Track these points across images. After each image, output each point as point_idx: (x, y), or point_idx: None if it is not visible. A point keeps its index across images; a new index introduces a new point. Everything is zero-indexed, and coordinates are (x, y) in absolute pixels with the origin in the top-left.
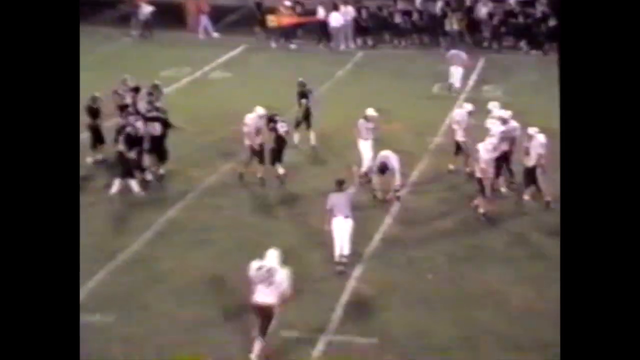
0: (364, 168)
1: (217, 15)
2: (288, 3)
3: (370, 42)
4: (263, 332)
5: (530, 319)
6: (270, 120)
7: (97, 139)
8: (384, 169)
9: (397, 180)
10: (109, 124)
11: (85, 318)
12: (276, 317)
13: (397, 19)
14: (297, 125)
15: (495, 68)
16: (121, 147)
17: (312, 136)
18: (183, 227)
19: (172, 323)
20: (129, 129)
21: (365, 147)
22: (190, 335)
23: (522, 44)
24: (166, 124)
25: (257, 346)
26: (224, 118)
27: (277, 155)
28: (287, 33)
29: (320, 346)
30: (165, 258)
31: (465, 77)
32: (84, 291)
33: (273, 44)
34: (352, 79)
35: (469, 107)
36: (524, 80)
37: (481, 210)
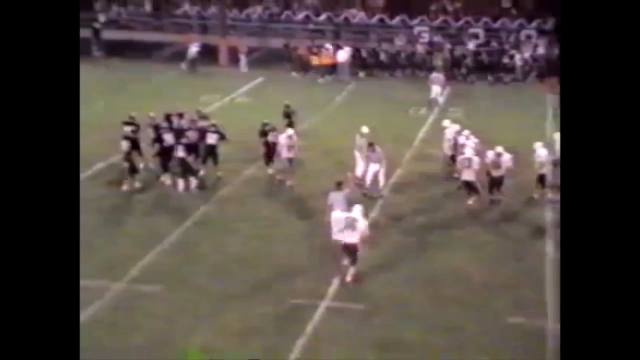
0: (359, 173)
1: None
2: (329, 46)
3: (362, 74)
4: (353, 262)
5: (487, 290)
6: (265, 132)
7: (135, 147)
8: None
9: (381, 181)
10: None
11: (138, 288)
12: (360, 252)
13: (382, 56)
14: None
15: (458, 95)
16: (181, 154)
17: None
18: (215, 218)
19: (205, 294)
20: (184, 140)
21: (359, 157)
22: (219, 304)
23: (488, 76)
24: (222, 136)
25: (351, 271)
26: (247, 133)
27: (269, 159)
28: (327, 70)
29: (320, 310)
30: (200, 243)
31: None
32: (138, 267)
33: (293, 73)
34: (348, 104)
35: (456, 127)
36: (480, 105)
37: (470, 202)
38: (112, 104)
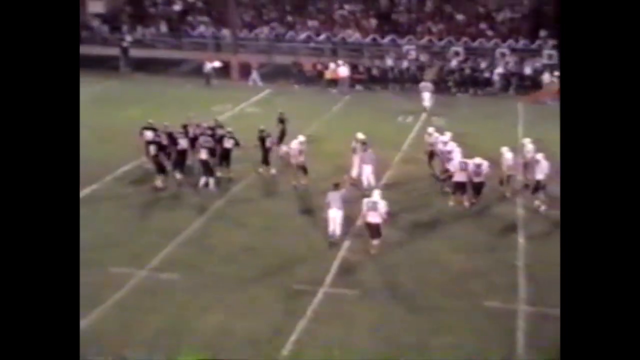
0: (354, 174)
1: (250, 69)
2: (341, 62)
3: (359, 87)
4: (376, 237)
5: (465, 277)
6: (262, 138)
7: (161, 149)
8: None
9: (372, 181)
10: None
11: (158, 275)
12: (381, 228)
13: (374, 72)
14: (280, 139)
15: (441, 105)
16: (204, 156)
17: (285, 148)
18: (227, 213)
19: (218, 280)
20: (207, 144)
21: (355, 160)
22: (230, 289)
23: (471, 89)
24: (236, 142)
25: (375, 243)
26: (255, 139)
27: (265, 159)
28: (333, 83)
29: (319, 295)
30: (214, 235)
31: (421, 112)
32: (160, 257)
33: (295, 86)
34: (343, 113)
35: (446, 136)
36: (460, 113)
37: (466, 204)
38: (136, 113)
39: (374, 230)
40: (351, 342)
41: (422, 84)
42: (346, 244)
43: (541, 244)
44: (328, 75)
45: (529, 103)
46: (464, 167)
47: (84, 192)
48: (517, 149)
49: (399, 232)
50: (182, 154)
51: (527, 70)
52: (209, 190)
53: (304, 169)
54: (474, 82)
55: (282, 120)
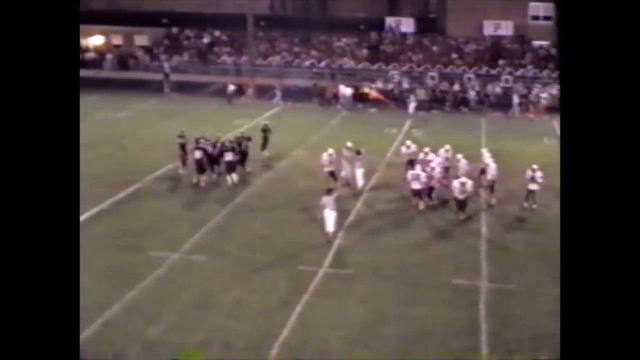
0: (343, 175)
1: (264, 90)
2: (374, 86)
3: (360, 105)
4: (420, 198)
5: (437, 259)
6: (240, 141)
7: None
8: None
9: (361, 181)
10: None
11: (189, 258)
12: (422, 195)
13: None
14: (263, 146)
15: (419, 119)
16: (230, 157)
17: (266, 152)
18: (245, 207)
19: (238, 262)
20: (234, 146)
21: (345, 164)
22: (247, 270)
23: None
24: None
25: (421, 205)
26: (268, 146)
27: (243, 161)
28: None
29: (319, 274)
30: (234, 224)
31: (402, 125)
32: (190, 242)
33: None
34: (340, 125)
35: (428, 149)
36: (435, 128)
37: (421, 207)
38: (171, 126)
39: (416, 194)
40: (345, 312)
41: (411, 99)
42: (341, 233)
43: (499, 233)
44: (365, 95)
45: (534, 119)
46: (415, 177)
47: (129, 190)
48: (470, 157)
49: (384, 222)
50: (216, 158)
51: (498, 90)
52: (235, 183)
53: (333, 176)
54: (454, 101)
55: (265, 130)
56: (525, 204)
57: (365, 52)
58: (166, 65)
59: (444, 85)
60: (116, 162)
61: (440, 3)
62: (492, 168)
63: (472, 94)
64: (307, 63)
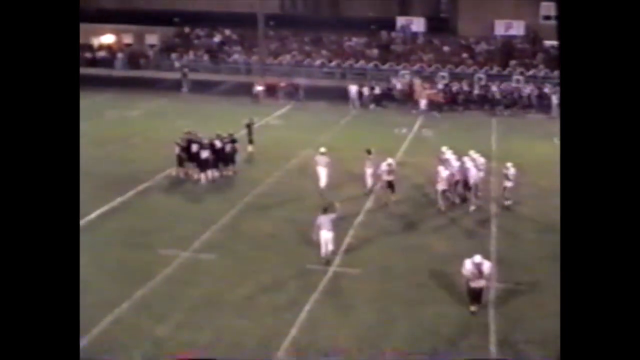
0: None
1: (275, 89)
2: (434, 89)
3: (372, 106)
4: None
5: (445, 259)
6: (231, 140)
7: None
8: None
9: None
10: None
11: (198, 256)
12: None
13: (377, 91)
14: (250, 141)
15: (428, 119)
16: (206, 155)
17: (251, 148)
18: (254, 206)
19: (247, 260)
20: (237, 145)
21: (320, 171)
22: (256, 268)
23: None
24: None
25: (443, 202)
26: (278, 145)
27: (232, 157)
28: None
29: (329, 273)
30: (244, 223)
31: (413, 125)
32: (199, 240)
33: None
34: (351, 124)
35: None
36: (443, 127)
37: (393, 199)
38: (183, 124)
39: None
40: (354, 311)
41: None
42: (351, 231)
43: (509, 233)
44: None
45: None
46: (391, 169)
47: (139, 188)
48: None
49: (393, 222)
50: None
51: (527, 91)
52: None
53: (391, 187)
54: (465, 101)
55: (249, 125)
56: (506, 203)
57: (375, 51)
58: (176, 64)
59: (455, 85)
60: (127, 160)
61: (451, 3)
62: (473, 173)
63: (483, 94)
64: (318, 62)
